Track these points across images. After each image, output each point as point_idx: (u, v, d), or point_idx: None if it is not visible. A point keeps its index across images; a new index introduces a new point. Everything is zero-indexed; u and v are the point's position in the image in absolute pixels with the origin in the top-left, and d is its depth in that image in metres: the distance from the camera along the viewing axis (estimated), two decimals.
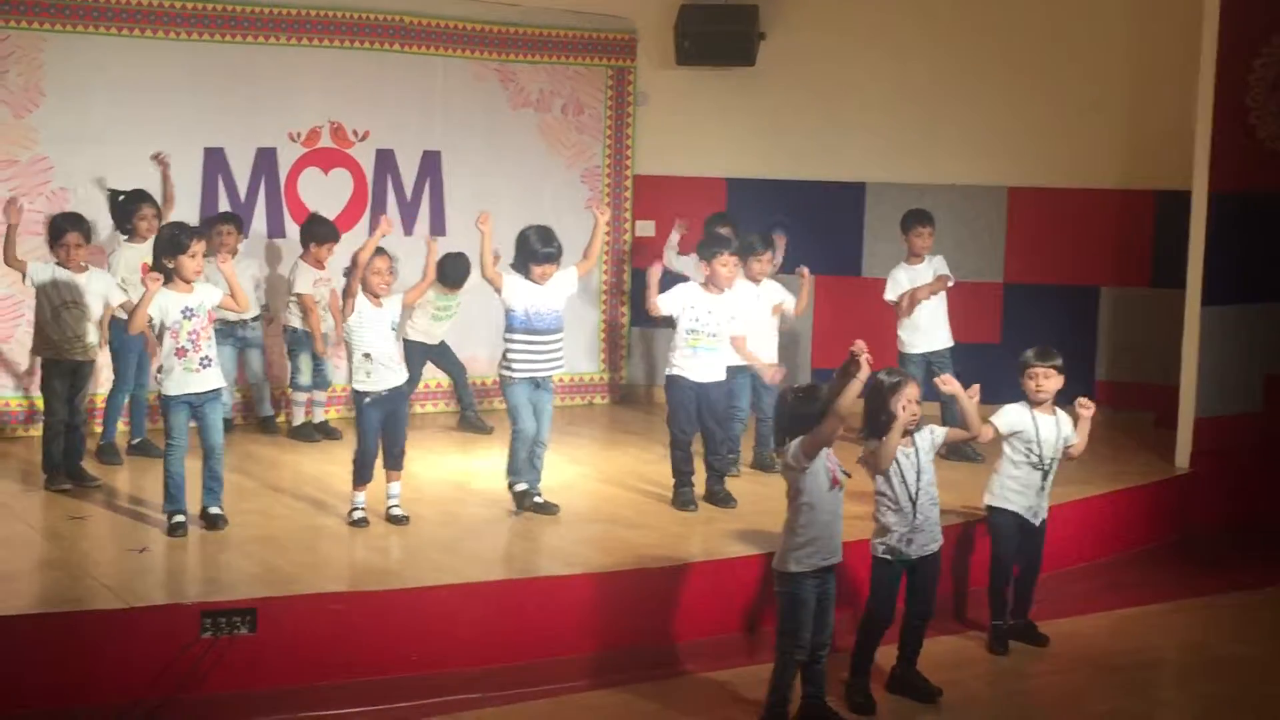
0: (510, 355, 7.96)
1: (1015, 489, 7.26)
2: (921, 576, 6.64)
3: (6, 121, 9.38)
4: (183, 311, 7.41)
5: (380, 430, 7.73)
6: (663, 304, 8.25)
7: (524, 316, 7.93)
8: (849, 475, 6.39)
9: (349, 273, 7.72)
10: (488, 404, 10.63)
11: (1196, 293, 9.51)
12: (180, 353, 7.41)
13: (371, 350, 7.66)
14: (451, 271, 9.85)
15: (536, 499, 8.05)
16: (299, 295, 9.72)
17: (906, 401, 6.48)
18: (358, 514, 7.71)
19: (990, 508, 7.36)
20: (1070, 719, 6.53)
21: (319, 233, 9.83)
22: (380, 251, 7.72)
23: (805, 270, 9.39)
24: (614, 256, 11.52)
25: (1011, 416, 7.24)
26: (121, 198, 9.08)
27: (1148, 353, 10.77)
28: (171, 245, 7.45)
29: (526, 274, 7.95)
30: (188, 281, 7.46)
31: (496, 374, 8.28)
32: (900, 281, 9.54)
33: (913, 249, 9.57)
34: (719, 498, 8.33)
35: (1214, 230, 9.44)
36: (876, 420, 6.49)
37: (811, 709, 6.20)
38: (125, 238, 9.00)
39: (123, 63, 9.65)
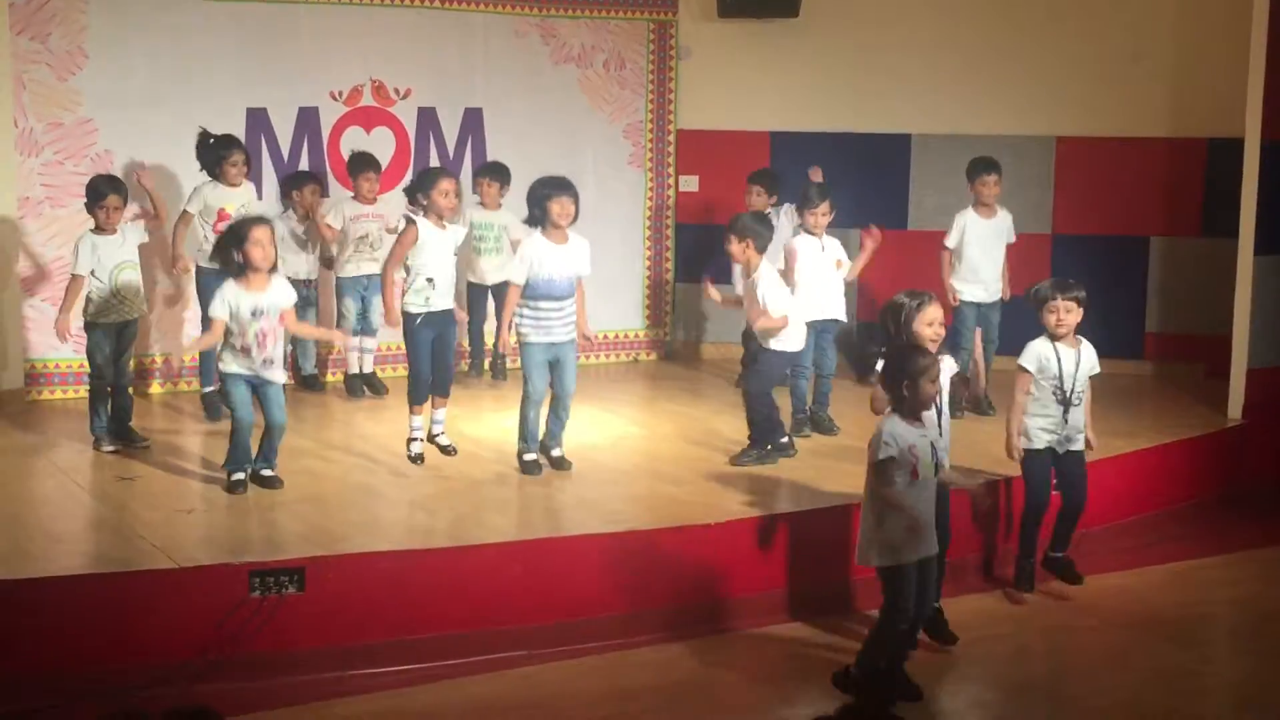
0: (525, 321, 7.73)
1: (1043, 425, 7.11)
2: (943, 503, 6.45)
3: (50, 84, 9.39)
4: (251, 311, 7.20)
5: (430, 351, 7.76)
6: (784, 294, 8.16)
7: (537, 282, 7.67)
8: (940, 467, 6.21)
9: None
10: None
11: (1249, 242, 9.38)
12: (243, 351, 7.25)
13: (435, 275, 7.68)
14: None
15: (554, 453, 7.95)
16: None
17: (930, 321, 6.42)
18: (416, 446, 7.79)
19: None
20: (1119, 673, 6.49)
21: (351, 166, 9.88)
22: (445, 173, 7.89)
23: (876, 231, 9.04)
24: (658, 212, 11.46)
25: (1035, 353, 7.07)
26: (212, 140, 9.04)
27: (1199, 303, 10.64)
28: (233, 237, 7.23)
29: (546, 223, 7.72)
30: (257, 270, 7.20)
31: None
32: (956, 229, 9.39)
33: (980, 198, 9.40)
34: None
35: (1267, 178, 9.29)
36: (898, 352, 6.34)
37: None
38: (209, 180, 8.97)
39: (164, 24, 9.63)
